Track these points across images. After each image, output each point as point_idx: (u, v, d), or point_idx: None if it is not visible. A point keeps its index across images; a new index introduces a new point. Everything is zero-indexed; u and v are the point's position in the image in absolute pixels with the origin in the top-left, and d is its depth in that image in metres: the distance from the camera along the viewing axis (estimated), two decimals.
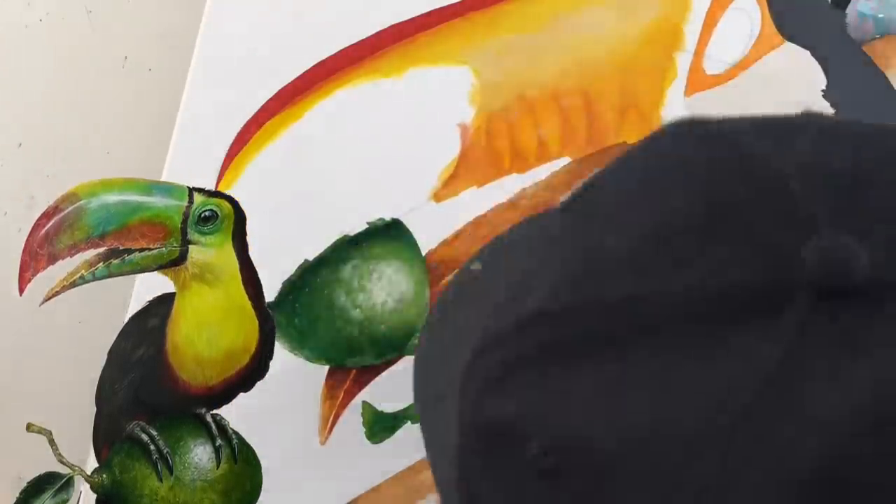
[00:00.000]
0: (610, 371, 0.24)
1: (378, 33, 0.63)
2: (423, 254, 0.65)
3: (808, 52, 0.65)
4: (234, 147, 0.63)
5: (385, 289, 0.64)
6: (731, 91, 0.65)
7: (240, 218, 0.62)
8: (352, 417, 0.65)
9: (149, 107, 0.79)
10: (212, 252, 0.61)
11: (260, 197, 0.64)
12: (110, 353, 0.63)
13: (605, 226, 0.27)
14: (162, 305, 0.62)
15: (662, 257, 0.25)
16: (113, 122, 0.80)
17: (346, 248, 0.64)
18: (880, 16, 0.66)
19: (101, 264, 0.60)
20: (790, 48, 0.65)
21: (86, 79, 0.80)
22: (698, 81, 0.65)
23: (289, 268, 0.64)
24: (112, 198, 0.59)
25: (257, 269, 0.64)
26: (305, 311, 0.64)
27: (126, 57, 0.81)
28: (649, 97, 0.65)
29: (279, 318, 0.64)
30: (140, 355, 0.63)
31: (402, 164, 0.64)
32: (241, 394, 0.64)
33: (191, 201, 0.60)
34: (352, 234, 0.64)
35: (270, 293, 0.64)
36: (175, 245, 0.60)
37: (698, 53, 0.65)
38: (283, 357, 0.64)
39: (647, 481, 0.22)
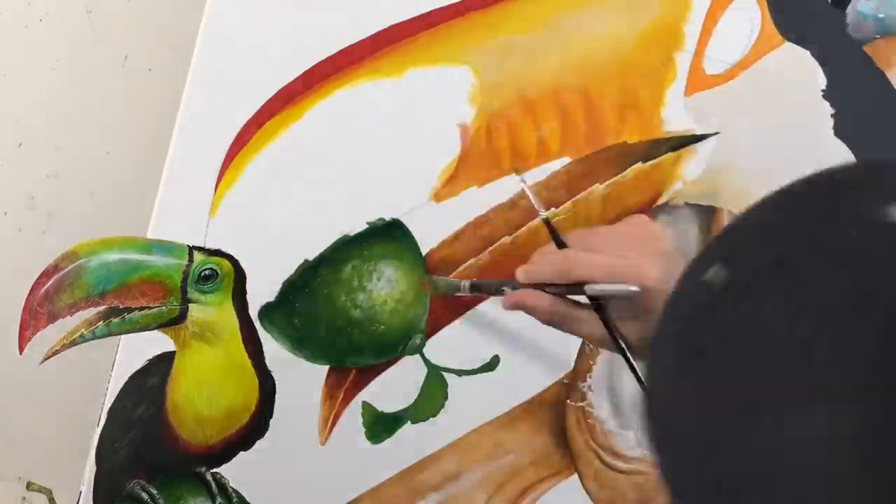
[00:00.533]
0: None
1: (378, 33, 0.63)
2: (423, 254, 0.65)
3: (808, 52, 0.65)
4: (234, 147, 0.63)
5: (385, 289, 0.64)
6: (731, 91, 0.65)
7: (240, 276, 0.62)
8: (352, 417, 0.65)
9: (149, 107, 0.79)
10: (212, 311, 0.61)
11: (260, 197, 0.64)
12: (110, 411, 0.63)
13: None
14: (162, 364, 0.63)
15: None
16: (113, 122, 0.80)
17: (346, 248, 0.64)
18: (880, 16, 0.66)
19: (100, 323, 0.60)
20: (790, 48, 0.65)
21: (86, 79, 0.80)
22: (698, 81, 0.65)
23: (289, 268, 0.64)
24: (112, 256, 0.59)
25: (258, 269, 0.64)
26: (305, 311, 0.64)
27: (126, 57, 0.81)
28: (649, 97, 0.65)
29: (279, 318, 0.64)
30: (140, 414, 0.63)
31: (402, 164, 0.64)
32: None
33: (191, 260, 0.61)
34: (352, 234, 0.64)
35: (270, 293, 0.64)
36: (175, 304, 0.60)
37: (698, 53, 0.65)
38: (283, 357, 0.64)
39: None
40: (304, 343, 0.64)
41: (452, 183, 0.65)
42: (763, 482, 0.24)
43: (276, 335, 0.64)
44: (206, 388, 0.62)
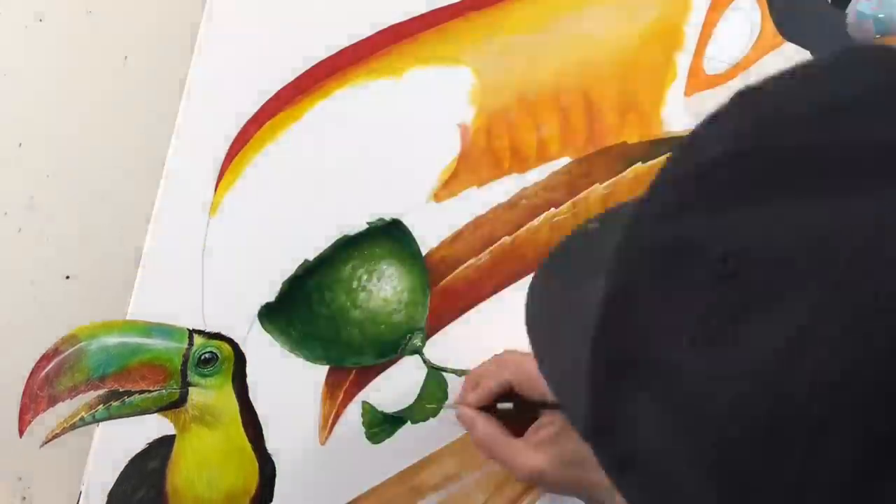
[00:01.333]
0: (787, 205, 0.27)
1: (378, 33, 0.63)
2: (423, 254, 0.65)
3: (808, 52, 0.65)
4: (234, 147, 0.63)
5: (385, 289, 0.64)
6: (731, 91, 0.65)
7: (240, 359, 0.63)
8: (352, 417, 0.65)
9: (149, 107, 0.79)
10: (212, 394, 0.62)
11: (260, 197, 0.64)
12: (110, 495, 0.63)
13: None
14: (162, 447, 0.63)
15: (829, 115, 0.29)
16: (113, 122, 0.80)
17: (346, 248, 0.64)
18: (880, 16, 0.66)
19: (101, 406, 0.60)
20: (790, 48, 0.65)
21: (86, 79, 0.80)
22: (698, 81, 0.65)
23: (289, 268, 0.64)
24: (112, 340, 0.60)
25: (258, 268, 0.64)
26: (305, 311, 0.64)
27: (126, 57, 0.81)
28: (649, 97, 0.65)
29: (279, 317, 0.64)
30: (140, 498, 0.63)
31: (402, 164, 0.64)
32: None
33: (191, 343, 0.61)
34: (352, 234, 0.64)
35: (271, 293, 0.64)
36: (175, 387, 0.61)
37: (698, 53, 0.65)
38: (283, 357, 0.64)
39: (820, 276, 0.25)
40: (304, 343, 0.64)
41: (452, 183, 0.65)
42: None
43: (276, 335, 0.64)
44: (206, 472, 0.62)
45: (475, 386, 0.62)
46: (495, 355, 0.63)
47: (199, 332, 0.62)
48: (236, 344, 0.63)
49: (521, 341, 0.66)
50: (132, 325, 0.61)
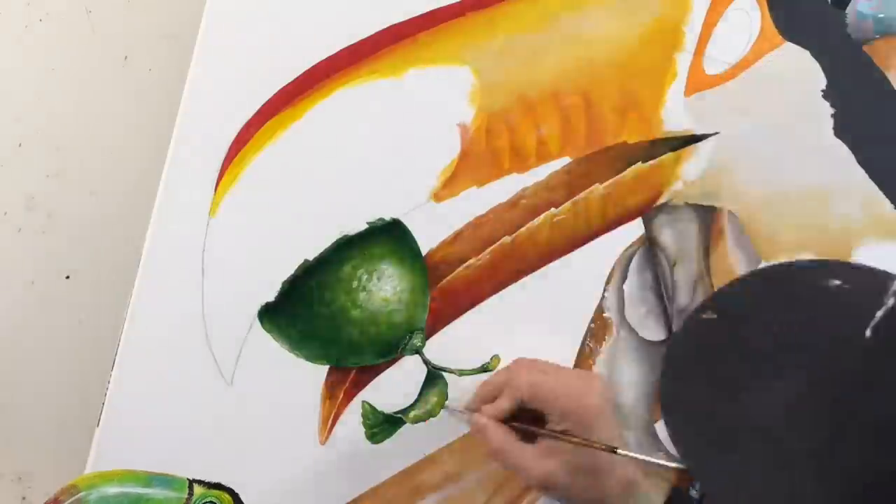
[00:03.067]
0: None
1: (378, 33, 0.63)
2: (423, 254, 0.65)
3: (808, 52, 0.65)
4: (234, 147, 0.63)
5: (385, 289, 0.65)
6: (731, 91, 0.65)
7: None
8: (352, 417, 0.65)
9: (149, 107, 0.79)
10: None
11: (260, 197, 0.64)
12: None
13: None
14: None
15: None
16: (113, 122, 0.80)
17: (346, 248, 0.64)
18: (880, 16, 0.66)
19: None
20: (790, 48, 0.65)
21: (86, 79, 0.80)
22: (698, 81, 0.65)
23: (289, 268, 0.64)
24: (111, 490, 0.60)
25: (258, 268, 0.64)
26: (305, 311, 0.64)
27: (126, 57, 0.81)
28: (649, 97, 0.65)
29: (279, 318, 0.64)
30: None
31: (402, 164, 0.64)
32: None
33: (190, 493, 0.62)
34: (352, 234, 0.64)
35: (271, 293, 0.64)
36: None
37: (698, 53, 0.65)
38: (283, 357, 0.64)
39: None
40: (304, 343, 0.64)
41: (452, 183, 0.65)
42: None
43: (276, 335, 0.64)
44: None
45: (488, 397, 0.62)
46: (509, 364, 0.63)
47: (199, 482, 0.62)
48: (236, 494, 0.63)
49: (520, 341, 0.66)
50: (132, 475, 0.61)
